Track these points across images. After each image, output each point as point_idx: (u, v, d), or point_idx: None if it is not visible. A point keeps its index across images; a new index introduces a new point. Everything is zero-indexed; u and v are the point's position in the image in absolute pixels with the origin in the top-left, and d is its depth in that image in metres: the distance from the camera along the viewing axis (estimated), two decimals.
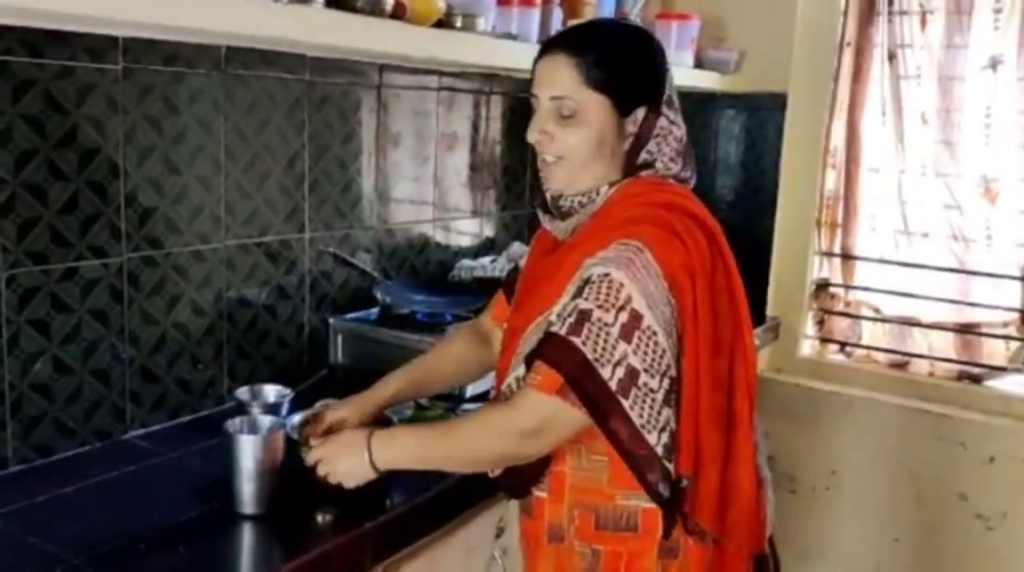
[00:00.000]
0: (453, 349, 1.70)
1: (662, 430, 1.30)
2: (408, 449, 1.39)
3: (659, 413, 1.30)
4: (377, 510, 1.46)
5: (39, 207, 1.55)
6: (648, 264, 1.28)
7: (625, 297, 1.26)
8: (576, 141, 1.37)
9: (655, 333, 1.27)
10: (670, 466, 1.31)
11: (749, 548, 1.42)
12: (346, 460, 1.38)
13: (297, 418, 1.60)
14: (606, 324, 1.26)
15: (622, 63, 1.37)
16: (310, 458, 1.42)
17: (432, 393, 1.76)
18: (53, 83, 1.53)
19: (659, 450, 1.30)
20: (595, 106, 1.36)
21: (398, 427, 1.49)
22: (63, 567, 1.27)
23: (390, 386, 1.61)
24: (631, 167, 1.39)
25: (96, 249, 1.64)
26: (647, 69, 1.39)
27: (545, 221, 1.49)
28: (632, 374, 1.27)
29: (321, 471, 1.40)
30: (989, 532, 2.75)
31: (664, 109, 1.38)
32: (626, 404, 1.27)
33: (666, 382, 1.30)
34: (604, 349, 1.26)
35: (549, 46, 1.40)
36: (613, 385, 1.26)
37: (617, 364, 1.26)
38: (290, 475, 1.47)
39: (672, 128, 1.39)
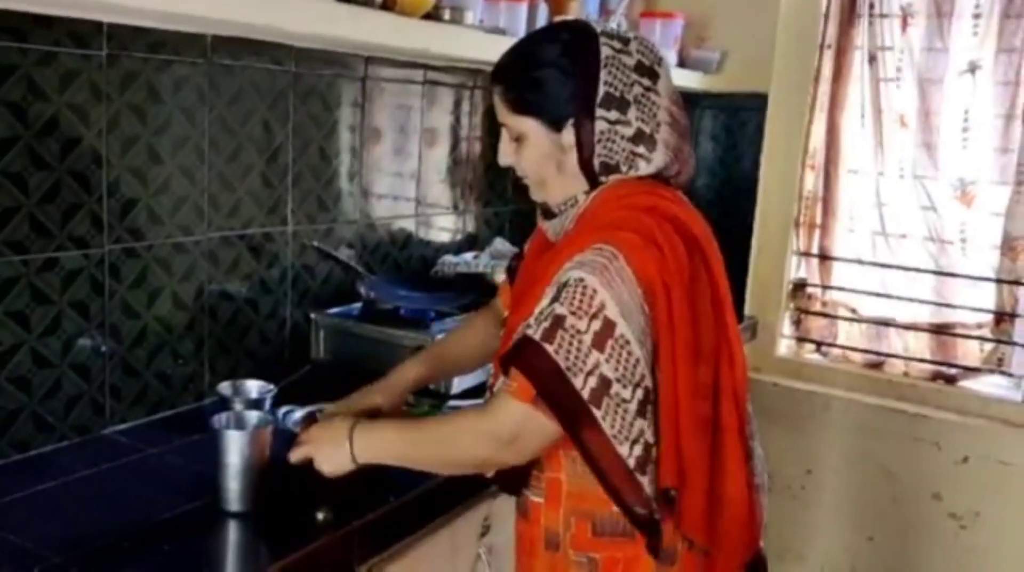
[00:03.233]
0: (471, 332, 1.72)
1: (635, 442, 1.27)
2: (387, 444, 1.38)
3: (632, 424, 1.27)
4: (368, 508, 1.44)
5: (19, 196, 1.51)
6: (622, 271, 1.26)
7: (599, 304, 1.24)
8: (527, 163, 1.41)
9: (628, 342, 1.25)
10: (643, 480, 1.29)
11: (741, 557, 1.40)
12: (327, 446, 1.38)
13: (299, 414, 1.57)
14: (579, 331, 1.24)
15: (532, 84, 1.36)
16: (299, 440, 1.42)
17: (453, 376, 1.82)
18: (36, 69, 1.50)
19: (631, 462, 1.28)
20: (528, 128, 1.37)
21: (380, 421, 1.47)
22: (44, 566, 1.24)
23: (411, 371, 1.63)
24: (592, 175, 1.37)
25: (77, 239, 1.60)
26: (565, 79, 1.34)
27: (540, 219, 1.49)
28: (605, 383, 1.25)
29: (304, 453, 1.40)
30: (962, 531, 2.79)
31: (600, 111, 1.33)
32: (598, 414, 1.25)
33: (639, 393, 1.27)
34: (576, 357, 1.24)
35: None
36: (585, 394, 1.24)
37: (589, 373, 1.24)
38: (277, 472, 1.44)
39: (616, 127, 1.33)
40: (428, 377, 1.67)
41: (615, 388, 1.25)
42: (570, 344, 1.25)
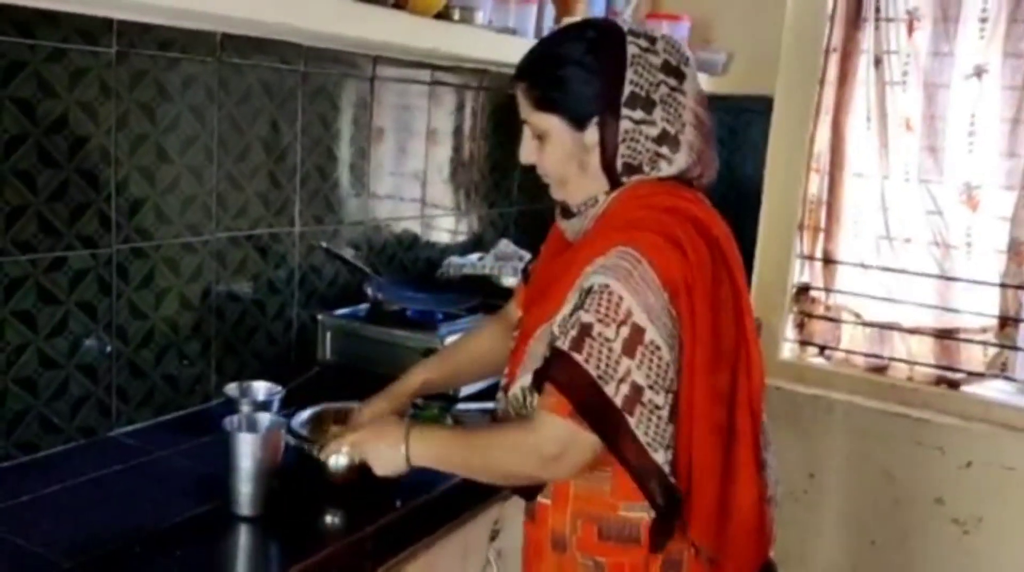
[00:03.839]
0: (480, 340, 1.69)
1: (668, 447, 1.26)
2: (442, 450, 1.37)
3: (665, 430, 1.26)
4: (379, 512, 1.43)
5: (28, 194, 1.48)
6: (646, 275, 1.24)
7: (625, 311, 1.23)
8: (549, 162, 1.39)
9: (658, 347, 1.24)
10: (674, 481, 1.28)
11: (749, 567, 1.39)
12: (383, 447, 1.36)
13: (304, 415, 1.56)
14: (608, 339, 1.23)
15: (556, 81, 1.34)
16: (341, 444, 1.40)
17: (461, 385, 1.79)
18: (45, 66, 1.47)
19: (666, 468, 1.27)
20: (551, 126, 1.36)
21: (431, 426, 1.47)
22: (55, 571, 1.22)
23: (417, 378, 1.62)
24: (614, 175, 1.35)
25: (85, 239, 1.58)
26: (590, 77, 1.32)
27: (559, 219, 1.47)
28: (637, 390, 1.23)
29: (354, 456, 1.39)
30: (965, 536, 2.78)
31: (625, 111, 1.31)
32: (632, 421, 1.23)
33: (670, 398, 1.26)
34: (608, 366, 1.23)
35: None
36: (619, 402, 1.23)
37: (621, 381, 1.23)
38: (288, 475, 1.43)
39: (641, 127, 1.32)
40: (436, 384, 1.65)
41: (647, 395, 1.24)
42: (600, 352, 1.23)
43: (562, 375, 1.25)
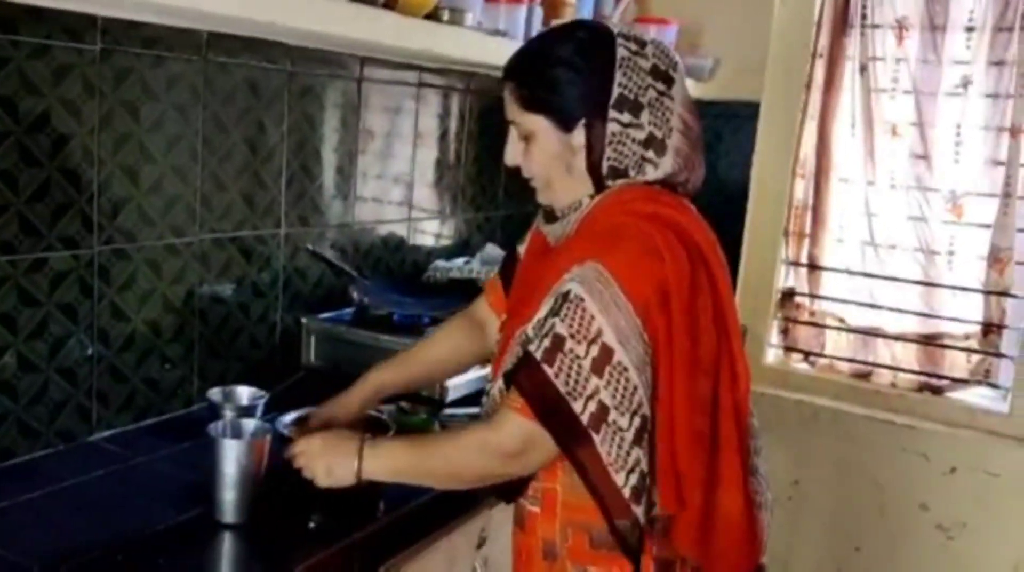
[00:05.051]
0: (446, 339, 1.67)
1: (631, 471, 1.25)
2: (393, 462, 1.35)
3: (628, 453, 1.24)
4: (366, 519, 1.41)
5: (8, 194, 1.45)
6: (617, 298, 1.23)
7: (596, 330, 1.22)
8: (535, 163, 1.37)
9: (626, 369, 1.23)
10: (637, 510, 1.26)
11: None
12: (331, 459, 1.33)
13: (290, 417, 1.53)
14: (578, 356, 1.22)
15: (547, 82, 1.33)
16: (291, 451, 1.38)
17: (423, 386, 1.75)
18: (28, 63, 1.44)
19: (626, 492, 1.25)
20: (539, 127, 1.34)
21: (384, 439, 1.43)
22: None
23: (375, 381, 1.59)
24: (600, 178, 1.34)
25: (66, 240, 1.55)
26: (579, 78, 1.31)
27: (540, 224, 1.46)
28: (603, 410, 1.23)
29: (298, 464, 1.35)
30: (949, 542, 2.79)
31: (613, 113, 1.30)
32: (596, 439, 1.23)
33: (637, 421, 1.24)
34: (576, 382, 1.22)
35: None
36: (585, 419, 1.22)
37: (589, 398, 1.22)
38: (273, 481, 1.40)
39: (628, 131, 1.31)
40: (392, 387, 1.62)
41: (613, 415, 1.23)
42: (570, 368, 1.23)
43: (528, 383, 1.25)
